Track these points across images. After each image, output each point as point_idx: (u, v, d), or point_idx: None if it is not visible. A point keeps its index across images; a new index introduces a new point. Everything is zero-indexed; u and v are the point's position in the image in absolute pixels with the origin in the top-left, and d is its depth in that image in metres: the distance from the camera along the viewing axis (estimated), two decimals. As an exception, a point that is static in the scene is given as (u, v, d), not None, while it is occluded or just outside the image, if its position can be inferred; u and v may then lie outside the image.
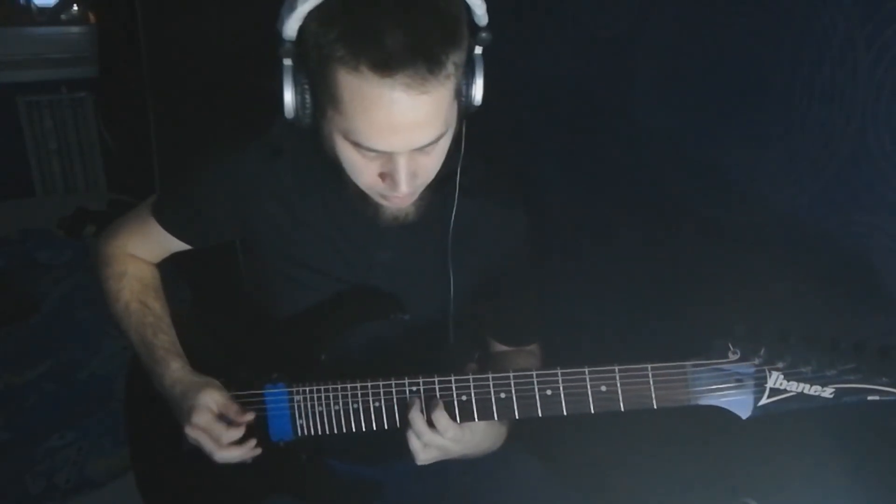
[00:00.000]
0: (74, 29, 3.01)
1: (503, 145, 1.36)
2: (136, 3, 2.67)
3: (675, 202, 1.07)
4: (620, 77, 1.12)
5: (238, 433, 0.90)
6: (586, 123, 1.23)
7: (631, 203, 1.17)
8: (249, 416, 0.91)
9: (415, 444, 0.85)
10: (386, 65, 0.68)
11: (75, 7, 3.04)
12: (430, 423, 0.84)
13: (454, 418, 0.85)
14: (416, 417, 0.84)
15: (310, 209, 0.96)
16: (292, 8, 0.71)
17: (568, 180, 1.29)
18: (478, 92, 0.79)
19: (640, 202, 1.15)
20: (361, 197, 0.87)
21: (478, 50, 0.78)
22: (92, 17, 3.04)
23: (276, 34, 0.75)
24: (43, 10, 2.98)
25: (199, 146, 1.05)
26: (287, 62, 0.76)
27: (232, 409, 0.91)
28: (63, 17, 3.03)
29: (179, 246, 1.05)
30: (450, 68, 0.71)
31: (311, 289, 0.98)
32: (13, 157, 3.01)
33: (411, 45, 0.68)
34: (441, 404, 0.84)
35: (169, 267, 1.11)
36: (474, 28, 0.77)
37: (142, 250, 1.07)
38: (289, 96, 0.77)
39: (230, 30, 2.04)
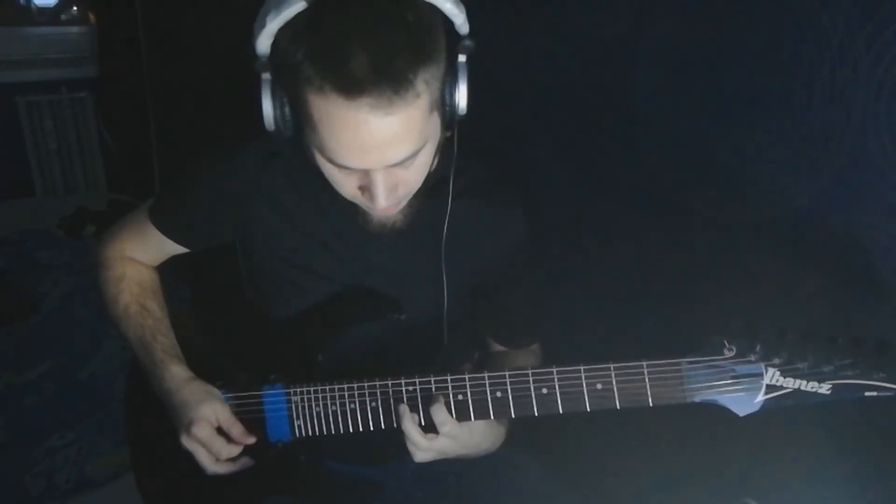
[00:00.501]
0: (74, 29, 3.01)
1: (502, 145, 1.36)
2: (136, 3, 2.67)
3: (673, 201, 1.07)
4: (620, 77, 1.12)
5: (237, 451, 0.90)
6: (586, 123, 1.23)
7: (629, 202, 1.17)
8: (251, 439, 0.91)
9: (415, 437, 0.85)
10: (350, 87, 0.67)
11: (75, 7, 3.04)
12: (428, 419, 0.84)
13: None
14: (411, 429, 0.84)
15: (305, 212, 0.96)
16: (263, 25, 0.71)
17: (567, 179, 1.29)
18: (462, 100, 0.78)
19: (639, 201, 1.15)
20: (350, 204, 0.86)
21: (461, 58, 0.77)
22: (92, 17, 3.03)
23: (250, 49, 0.74)
24: (43, 10, 2.98)
25: (198, 146, 1.04)
26: (265, 76, 0.75)
27: (236, 430, 0.91)
28: (63, 17, 3.02)
29: (177, 249, 1.05)
30: (419, 87, 0.70)
31: (307, 291, 0.98)
32: (13, 157, 3.02)
33: (375, 68, 0.67)
34: (441, 399, 0.84)
35: (169, 268, 1.11)
36: (455, 37, 0.75)
37: (140, 253, 1.07)
38: (268, 109, 0.76)
39: (230, 30, 2.04)
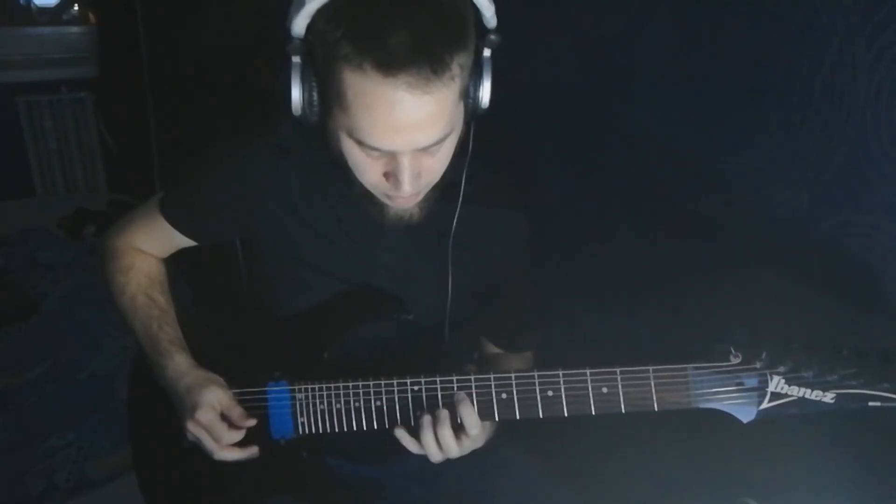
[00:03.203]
0: (74, 29, 3.01)
1: (503, 149, 1.36)
2: (136, 3, 2.67)
3: (675, 203, 1.07)
4: (620, 78, 1.13)
5: (239, 436, 0.90)
6: (586, 124, 1.23)
7: (631, 204, 1.17)
8: (251, 422, 0.91)
9: (432, 447, 0.85)
10: (389, 64, 0.69)
11: (75, 7, 3.04)
12: (457, 422, 0.84)
13: (455, 418, 0.85)
14: (446, 434, 0.83)
15: (315, 209, 0.96)
16: (301, 5, 0.72)
17: (568, 181, 1.29)
18: (485, 94, 0.79)
19: (641, 203, 1.15)
20: (367, 196, 0.87)
21: (486, 52, 0.78)
22: (92, 17, 3.04)
23: (285, 31, 0.75)
24: (43, 10, 2.98)
25: (198, 146, 1.05)
26: (295, 59, 0.76)
27: (235, 412, 0.91)
28: (63, 17, 3.03)
29: (185, 242, 1.05)
30: (454, 70, 0.72)
31: (314, 288, 0.99)
32: (13, 157, 3.02)
33: (415, 46, 0.68)
34: (469, 402, 0.84)
35: (170, 266, 1.11)
36: (483, 30, 0.77)
37: (148, 245, 1.07)
38: (296, 93, 0.78)
39: (230, 30, 2.04)
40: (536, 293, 1.09)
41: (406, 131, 0.73)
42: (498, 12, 0.78)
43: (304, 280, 0.98)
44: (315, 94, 0.78)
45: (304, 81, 0.77)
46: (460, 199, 0.92)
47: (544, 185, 1.32)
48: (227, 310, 1.13)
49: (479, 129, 0.86)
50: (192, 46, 2.38)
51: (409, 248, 0.97)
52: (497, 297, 1.04)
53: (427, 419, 0.84)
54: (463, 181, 0.92)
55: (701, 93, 1.01)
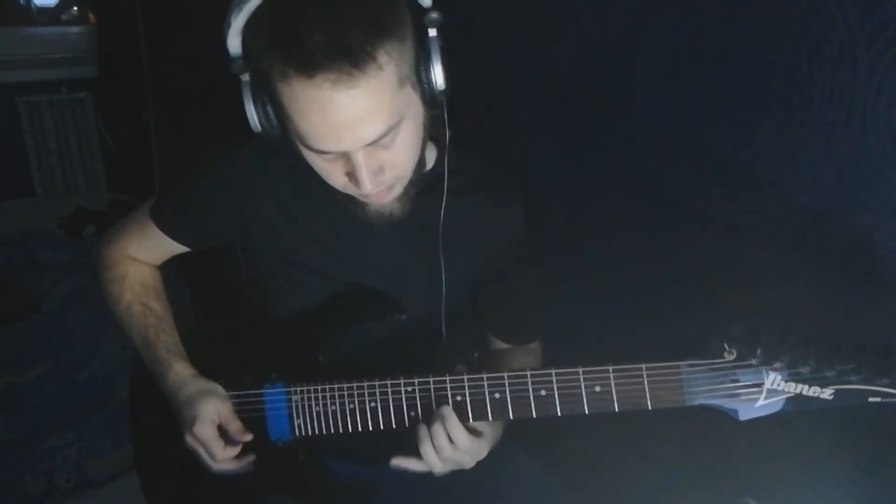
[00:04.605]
0: (74, 29, 3.02)
1: (502, 143, 1.36)
2: (136, 3, 2.67)
3: (673, 201, 1.07)
4: (620, 76, 1.12)
5: (234, 452, 0.90)
6: (586, 121, 1.23)
7: (629, 201, 1.17)
8: (248, 437, 0.91)
9: (432, 458, 0.84)
10: (307, 66, 0.68)
11: (75, 7, 3.04)
12: (429, 422, 0.84)
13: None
14: (439, 432, 0.83)
15: (306, 211, 0.96)
16: (229, 24, 0.72)
17: (566, 178, 1.29)
18: (438, 76, 0.77)
19: (639, 200, 1.15)
20: (347, 196, 0.86)
21: (432, 32, 0.76)
22: (92, 17, 3.04)
23: (225, 53, 0.75)
24: (43, 10, 2.98)
25: (199, 146, 1.04)
26: (244, 77, 0.76)
27: (233, 427, 0.91)
28: (63, 17, 3.03)
29: (178, 248, 1.05)
30: (382, 59, 0.70)
31: (308, 290, 0.98)
32: (13, 157, 3.02)
33: (329, 43, 0.68)
34: (454, 417, 0.83)
35: (169, 268, 1.11)
36: (420, 11, 0.76)
37: (142, 253, 1.07)
38: (251, 111, 0.77)
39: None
40: (537, 285, 1.09)
41: (346, 129, 0.73)
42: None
43: (297, 281, 0.98)
44: (269, 108, 0.77)
45: (255, 98, 0.77)
46: (444, 192, 0.91)
47: (543, 181, 1.32)
48: (225, 311, 1.13)
49: (472, 122, 0.85)
50: (192, 46, 2.37)
51: (400, 246, 0.97)
52: (497, 290, 1.04)
53: (423, 431, 0.84)
54: (445, 173, 0.91)
55: (701, 91, 1.00)
